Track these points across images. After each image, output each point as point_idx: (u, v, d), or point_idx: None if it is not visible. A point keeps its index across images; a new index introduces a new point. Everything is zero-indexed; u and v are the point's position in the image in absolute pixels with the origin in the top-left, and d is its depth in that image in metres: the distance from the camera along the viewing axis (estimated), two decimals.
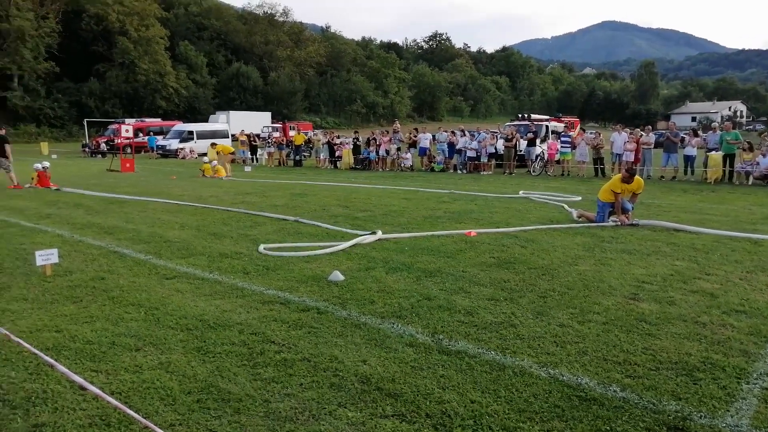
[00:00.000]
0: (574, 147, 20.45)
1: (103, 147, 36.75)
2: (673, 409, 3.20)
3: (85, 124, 45.66)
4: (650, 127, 20.83)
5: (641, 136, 18.63)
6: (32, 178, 16.08)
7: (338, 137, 27.19)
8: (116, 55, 60.32)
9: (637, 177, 9.38)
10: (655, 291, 5.40)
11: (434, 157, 22.88)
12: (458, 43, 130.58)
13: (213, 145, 23.56)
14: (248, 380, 3.55)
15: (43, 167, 16.16)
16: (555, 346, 4.07)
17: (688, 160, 17.95)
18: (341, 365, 3.77)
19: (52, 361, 3.03)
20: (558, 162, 20.69)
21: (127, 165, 23.03)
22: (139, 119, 45.17)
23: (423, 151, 22.94)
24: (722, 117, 74.37)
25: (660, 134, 27.64)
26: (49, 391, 3.42)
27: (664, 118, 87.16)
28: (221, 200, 12.61)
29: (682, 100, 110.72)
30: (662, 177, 17.95)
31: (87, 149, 38.49)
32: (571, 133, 21.89)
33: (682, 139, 18.79)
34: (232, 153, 22.14)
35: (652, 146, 18.60)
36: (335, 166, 24.99)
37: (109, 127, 41.25)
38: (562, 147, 20.37)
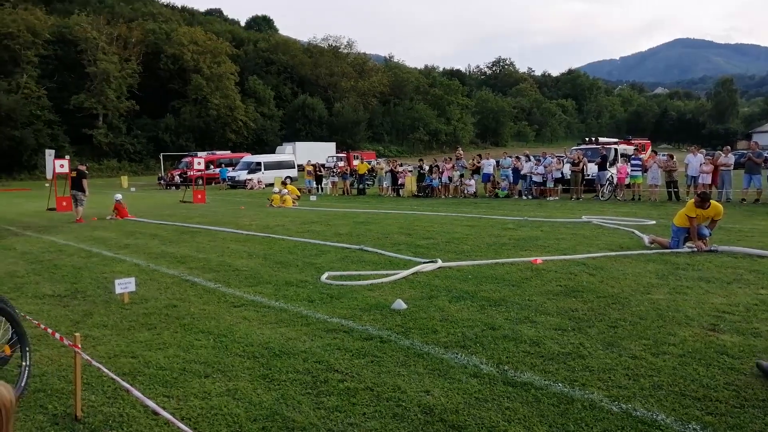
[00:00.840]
0: (645, 170, 19.69)
1: (177, 179, 38.64)
2: None
3: (161, 158, 48.23)
4: (729, 147, 19.75)
5: (720, 157, 17.74)
6: (113, 211, 17.07)
7: (401, 165, 27.43)
8: (190, 91, 63.79)
9: (714, 202, 8.76)
10: (737, 322, 5.07)
11: (498, 183, 22.63)
12: (522, 68, 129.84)
13: (284, 183, 24.16)
14: (312, 409, 3.58)
15: (116, 200, 17.17)
16: (627, 379, 3.89)
17: None
18: (404, 395, 3.74)
19: (128, 386, 3.18)
20: (628, 186, 19.98)
21: (199, 196, 24.07)
22: (210, 152, 47.29)
23: (486, 177, 22.74)
24: None
25: (741, 155, 26.22)
26: (125, 415, 3.58)
27: (745, 137, 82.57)
28: (287, 229, 12.94)
29: (766, 118, 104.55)
30: (743, 200, 16.95)
31: (162, 182, 40.57)
32: (641, 156, 21.12)
33: (766, 159, 17.70)
34: (298, 197, 22.77)
35: (732, 167, 17.65)
36: (398, 194, 25.15)
37: (182, 160, 43.38)
38: (632, 170, 19.66)
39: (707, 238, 8.77)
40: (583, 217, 13.42)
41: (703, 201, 8.66)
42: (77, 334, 3.52)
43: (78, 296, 6.76)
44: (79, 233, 13.17)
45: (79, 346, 3.43)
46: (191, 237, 12.06)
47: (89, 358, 3.46)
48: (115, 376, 3.33)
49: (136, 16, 71.09)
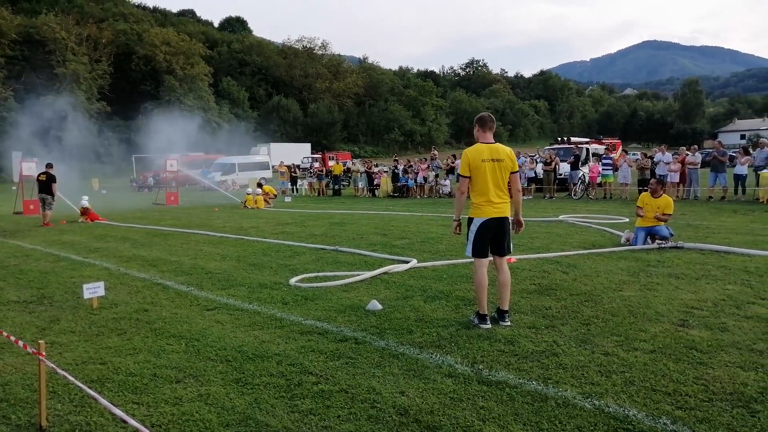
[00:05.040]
0: (615, 169, 20.05)
1: (150, 181, 38.03)
2: None
3: (133, 159, 47.42)
4: (696, 146, 20.22)
5: (687, 155, 18.14)
6: (82, 214, 16.70)
7: (376, 165, 27.47)
8: (163, 93, 62.90)
9: (665, 196, 9.22)
10: (705, 317, 5.16)
11: None
12: (495, 69, 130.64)
13: (259, 185, 23.78)
14: (286, 412, 3.54)
15: (83, 206, 16.84)
16: (600, 376, 3.92)
17: (739, 179, 17.32)
18: (379, 397, 3.71)
19: (95, 394, 3.09)
20: (600, 185, 20.30)
21: (172, 198, 23.72)
22: (183, 153, 46.58)
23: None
24: None
25: (707, 154, 26.86)
26: (92, 423, 3.48)
27: (711, 136, 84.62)
28: (261, 231, 12.81)
29: (730, 118, 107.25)
30: (710, 197, 17.36)
31: (134, 184, 39.90)
32: (612, 155, 21.49)
33: (731, 158, 18.16)
34: (275, 196, 22.65)
35: (699, 166, 18.06)
36: (373, 195, 25.13)
37: (155, 162, 42.68)
38: (603, 169, 20.00)
39: (671, 237, 8.95)
40: (560, 216, 13.58)
41: (659, 185, 9.27)
42: (41, 341, 3.42)
43: (45, 302, 6.59)
44: (46, 237, 12.86)
45: (44, 353, 3.33)
46: (163, 240, 11.86)
47: (54, 366, 3.36)
48: (81, 384, 3.24)
49: (106, 17, 69.92)
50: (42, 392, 3.39)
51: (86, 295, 6.09)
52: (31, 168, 18.28)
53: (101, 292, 6.21)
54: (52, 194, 15.84)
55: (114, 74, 61.13)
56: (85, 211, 16.64)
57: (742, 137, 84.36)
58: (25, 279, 7.97)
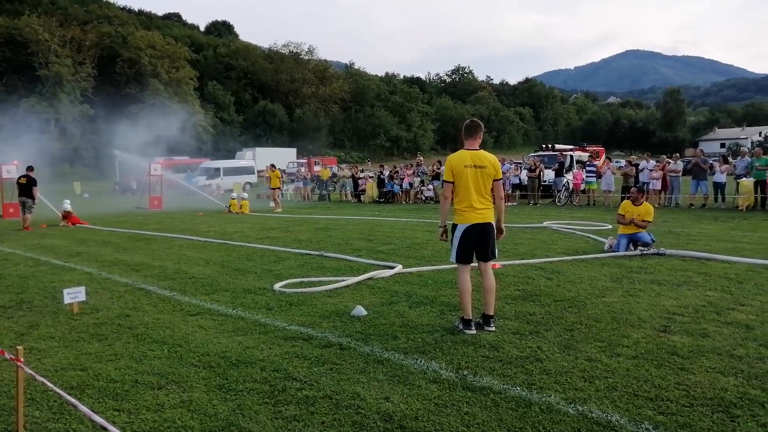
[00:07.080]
0: (599, 176, 20.26)
1: (134, 185, 37.66)
2: None
3: (117, 163, 46.89)
4: (678, 154, 20.53)
5: (668, 163, 18.39)
6: (63, 218, 16.48)
7: (362, 171, 27.52)
8: (147, 96, 62.40)
9: (646, 204, 9.37)
10: (686, 323, 5.22)
11: None
12: (481, 76, 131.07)
13: (272, 166, 23.72)
14: (269, 418, 3.51)
15: (65, 210, 16.64)
16: (583, 381, 3.95)
17: (718, 187, 17.59)
18: (363, 402, 3.70)
19: (74, 400, 3.04)
20: (583, 192, 20.48)
21: (155, 202, 23.50)
22: (167, 157, 46.23)
23: None
24: (752, 143, 72.98)
25: (688, 161, 27.26)
26: (71, 431, 3.43)
27: (692, 145, 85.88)
28: (246, 236, 12.74)
29: (710, 127, 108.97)
30: (691, 205, 17.60)
31: (118, 187, 39.49)
32: (596, 163, 21.71)
33: (711, 166, 18.46)
34: (278, 188, 22.58)
35: (680, 174, 18.31)
36: (359, 200, 25.12)
37: (139, 165, 42.28)
38: (587, 176, 20.19)
39: (653, 243, 9.05)
40: (545, 222, 13.68)
41: (640, 193, 9.50)
42: (19, 347, 3.36)
43: (24, 307, 6.48)
44: (26, 241, 12.67)
45: (22, 359, 3.27)
46: (146, 244, 11.74)
47: (33, 372, 3.30)
48: (60, 391, 3.19)
49: (90, 19, 69.34)
50: (20, 399, 3.33)
51: (66, 300, 5.99)
52: (11, 171, 18.01)
53: (82, 297, 6.11)
54: (32, 197, 15.62)
55: (98, 77, 60.59)
56: (66, 215, 16.43)
57: (722, 146, 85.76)
58: (3, 283, 7.83)
